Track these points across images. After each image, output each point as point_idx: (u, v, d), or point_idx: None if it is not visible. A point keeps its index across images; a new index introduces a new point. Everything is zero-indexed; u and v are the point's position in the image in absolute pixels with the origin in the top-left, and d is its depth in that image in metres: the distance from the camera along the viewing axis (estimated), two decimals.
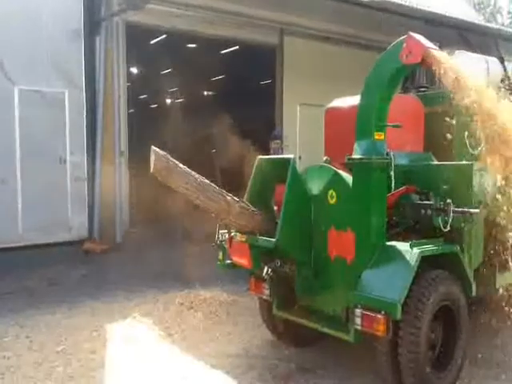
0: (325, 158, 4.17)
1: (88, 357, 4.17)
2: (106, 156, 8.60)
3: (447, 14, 10.45)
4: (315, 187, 3.84)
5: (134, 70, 14.60)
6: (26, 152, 8.00)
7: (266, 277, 3.81)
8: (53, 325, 4.89)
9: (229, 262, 4.09)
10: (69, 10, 8.36)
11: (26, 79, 8.00)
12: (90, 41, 8.59)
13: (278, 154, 7.00)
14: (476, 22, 12.29)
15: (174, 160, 3.40)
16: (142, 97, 18.39)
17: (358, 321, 3.30)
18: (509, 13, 28.83)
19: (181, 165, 3.46)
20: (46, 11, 8.12)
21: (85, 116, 8.57)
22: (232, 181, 6.95)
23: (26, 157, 8.01)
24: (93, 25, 8.60)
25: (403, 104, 4.42)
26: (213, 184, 3.61)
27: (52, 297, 5.84)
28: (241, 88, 15.66)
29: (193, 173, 3.49)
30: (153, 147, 3.33)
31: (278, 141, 7.62)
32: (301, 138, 10.96)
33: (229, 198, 3.63)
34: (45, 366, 3.99)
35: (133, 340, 4.50)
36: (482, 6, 27.51)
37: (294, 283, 3.90)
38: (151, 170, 3.29)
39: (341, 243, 3.62)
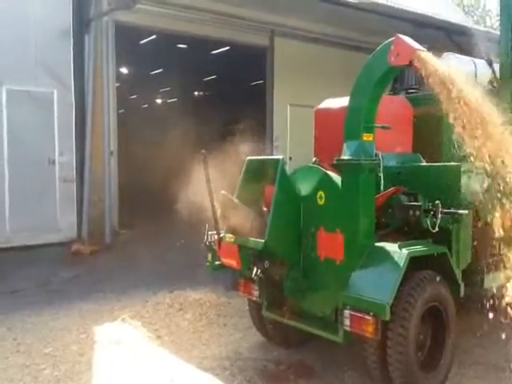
0: (314, 159, 4.17)
1: (76, 359, 4.13)
2: (95, 156, 8.53)
3: (436, 17, 10.52)
4: (304, 188, 3.83)
5: (124, 71, 14.54)
6: (13, 152, 7.92)
7: (255, 278, 3.80)
8: (40, 327, 4.84)
9: (218, 263, 4.07)
10: (57, 8, 8.28)
11: (13, 79, 7.92)
12: (79, 40, 8.51)
13: None
14: (465, 24, 12.39)
15: (237, 203, 3.75)
16: (132, 97, 18.32)
17: (347, 322, 3.30)
18: (497, 15, 29.08)
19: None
20: (33, 10, 8.04)
21: (74, 116, 8.50)
22: (222, 181, 6.93)
23: (13, 157, 7.92)
24: (82, 24, 8.53)
25: (392, 105, 4.44)
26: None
27: (40, 298, 5.79)
28: (231, 89, 15.65)
29: (250, 214, 3.80)
30: (223, 192, 3.69)
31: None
32: (291, 139, 10.97)
33: None
34: (32, 369, 3.94)
35: (121, 342, 4.46)
36: (471, 8, 27.77)
37: (283, 284, 3.89)
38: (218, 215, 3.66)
39: (330, 244, 3.62)
